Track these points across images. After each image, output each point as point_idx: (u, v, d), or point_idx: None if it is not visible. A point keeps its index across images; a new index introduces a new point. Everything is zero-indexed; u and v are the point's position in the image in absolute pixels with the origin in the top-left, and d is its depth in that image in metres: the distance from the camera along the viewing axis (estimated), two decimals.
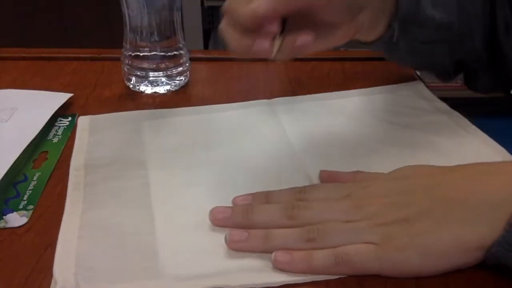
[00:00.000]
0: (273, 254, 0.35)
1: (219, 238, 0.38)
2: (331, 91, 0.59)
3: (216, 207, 0.40)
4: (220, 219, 0.39)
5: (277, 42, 0.40)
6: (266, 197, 0.41)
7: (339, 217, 0.37)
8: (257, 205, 0.40)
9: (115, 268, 0.35)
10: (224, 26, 0.41)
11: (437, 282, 0.35)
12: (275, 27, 0.39)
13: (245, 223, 0.38)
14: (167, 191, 0.43)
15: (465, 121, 0.52)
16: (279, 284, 0.34)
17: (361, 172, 0.43)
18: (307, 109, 0.56)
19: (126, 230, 0.39)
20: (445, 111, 0.54)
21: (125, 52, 0.60)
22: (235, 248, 0.37)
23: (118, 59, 0.63)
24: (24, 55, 0.70)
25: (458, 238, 0.34)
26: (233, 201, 0.41)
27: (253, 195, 0.41)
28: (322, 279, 0.35)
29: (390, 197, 0.37)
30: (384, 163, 0.43)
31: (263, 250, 0.36)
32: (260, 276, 0.35)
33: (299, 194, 0.40)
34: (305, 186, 0.41)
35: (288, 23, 0.41)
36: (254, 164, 0.47)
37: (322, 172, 0.44)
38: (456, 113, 0.54)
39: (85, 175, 0.45)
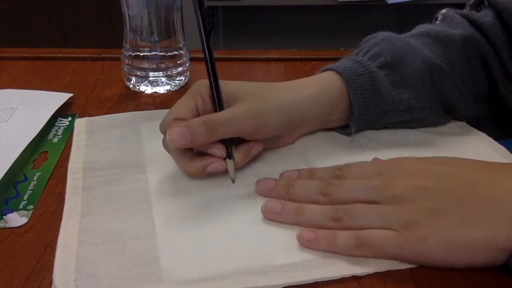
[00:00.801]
0: (299, 231, 0.38)
1: (220, 241, 0.38)
2: None
3: (262, 178, 0.43)
4: (264, 190, 0.42)
5: (230, 164, 0.43)
6: (310, 172, 0.44)
7: (368, 196, 0.38)
8: (297, 180, 0.42)
9: (116, 274, 0.35)
10: (169, 151, 0.44)
11: (437, 282, 0.35)
12: (216, 151, 0.43)
13: (284, 195, 0.41)
14: (167, 195, 0.43)
15: (462, 122, 0.52)
16: (280, 286, 0.34)
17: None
18: None
19: (126, 234, 0.38)
20: None
21: (125, 52, 0.60)
22: (269, 218, 0.39)
23: (118, 59, 0.63)
24: (24, 55, 0.70)
25: (484, 237, 0.34)
26: (280, 175, 0.44)
27: (299, 170, 0.44)
28: (326, 277, 0.35)
29: (424, 179, 0.37)
30: None
31: (294, 223, 0.39)
32: (262, 278, 0.35)
33: (338, 171, 0.42)
34: (345, 164, 0.43)
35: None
36: (254, 163, 0.47)
37: (374, 159, 0.44)
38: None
39: (83, 178, 0.45)
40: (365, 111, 0.48)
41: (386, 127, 0.51)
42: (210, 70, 0.44)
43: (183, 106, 0.44)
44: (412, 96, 0.48)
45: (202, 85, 0.45)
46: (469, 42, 0.51)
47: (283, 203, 0.40)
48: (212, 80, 0.44)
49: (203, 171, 0.43)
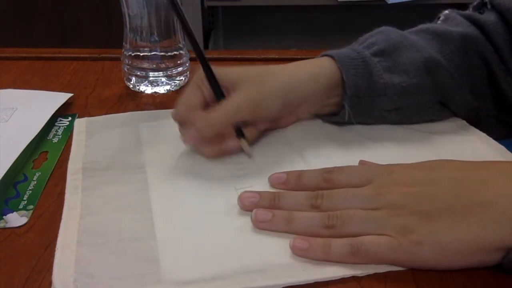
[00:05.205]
0: (291, 240, 0.37)
1: (219, 242, 0.38)
2: None
3: (245, 192, 0.41)
4: (248, 205, 0.40)
5: (243, 143, 0.47)
6: (298, 175, 0.43)
7: (360, 205, 0.38)
8: (284, 193, 0.41)
9: (115, 274, 0.35)
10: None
11: (437, 283, 0.35)
12: (230, 134, 0.46)
13: (271, 208, 0.40)
14: (166, 195, 0.43)
15: (462, 122, 0.52)
16: (280, 286, 0.34)
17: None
18: None
19: (125, 235, 0.38)
20: None
21: (125, 52, 0.60)
22: (260, 227, 0.39)
23: (118, 59, 0.63)
24: (24, 55, 0.70)
25: (476, 238, 0.34)
26: (269, 178, 0.44)
27: (287, 174, 0.43)
28: (326, 277, 0.35)
29: (414, 186, 0.37)
30: (381, 162, 0.43)
31: (286, 231, 0.38)
32: (262, 278, 0.35)
33: (327, 174, 0.42)
34: (333, 167, 0.42)
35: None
36: (254, 164, 0.47)
37: (360, 161, 0.45)
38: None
39: (83, 179, 0.44)
40: (358, 93, 0.48)
41: (383, 118, 0.51)
42: (202, 63, 0.47)
43: (191, 95, 0.47)
44: (403, 80, 0.49)
45: (204, 74, 0.47)
46: (467, 39, 0.51)
47: (273, 211, 0.39)
48: (208, 73, 0.47)
49: (221, 152, 0.47)
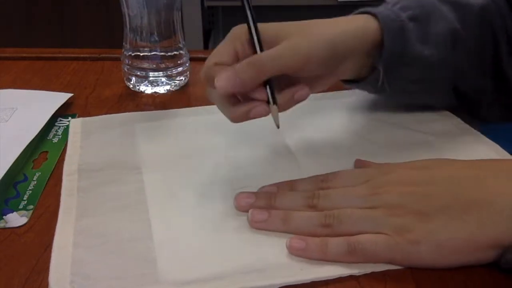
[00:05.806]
0: (288, 240, 0.37)
1: (217, 242, 0.38)
2: (328, 91, 0.59)
3: (241, 192, 0.41)
4: (244, 206, 0.40)
5: (274, 109, 0.41)
6: (290, 186, 0.42)
7: (357, 205, 0.38)
8: (280, 193, 0.41)
9: (112, 275, 0.35)
10: (212, 98, 0.43)
11: (437, 282, 0.35)
12: (259, 95, 0.41)
13: (268, 209, 0.39)
14: (163, 196, 0.43)
15: (457, 120, 0.53)
16: (278, 286, 0.34)
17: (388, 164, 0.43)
18: (303, 109, 0.55)
19: (122, 236, 0.38)
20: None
21: (125, 52, 0.60)
22: (256, 227, 0.38)
23: (118, 59, 0.63)
24: (24, 55, 0.70)
25: (473, 237, 0.34)
26: (258, 191, 0.42)
27: (278, 185, 0.42)
28: (324, 277, 0.35)
29: (411, 186, 0.37)
30: (378, 162, 0.43)
31: (282, 231, 0.38)
32: (259, 278, 0.35)
33: (321, 183, 0.41)
34: (327, 174, 0.42)
35: (275, 80, 0.42)
36: (251, 166, 0.47)
37: (356, 160, 0.45)
38: (447, 113, 0.54)
39: (79, 180, 0.44)
40: (392, 57, 0.47)
41: (402, 90, 0.50)
42: (249, 14, 0.43)
43: (223, 51, 0.43)
44: (432, 54, 0.48)
45: (240, 30, 0.43)
46: (485, 12, 0.50)
47: (270, 211, 0.39)
48: (252, 24, 0.43)
49: (247, 116, 0.42)
